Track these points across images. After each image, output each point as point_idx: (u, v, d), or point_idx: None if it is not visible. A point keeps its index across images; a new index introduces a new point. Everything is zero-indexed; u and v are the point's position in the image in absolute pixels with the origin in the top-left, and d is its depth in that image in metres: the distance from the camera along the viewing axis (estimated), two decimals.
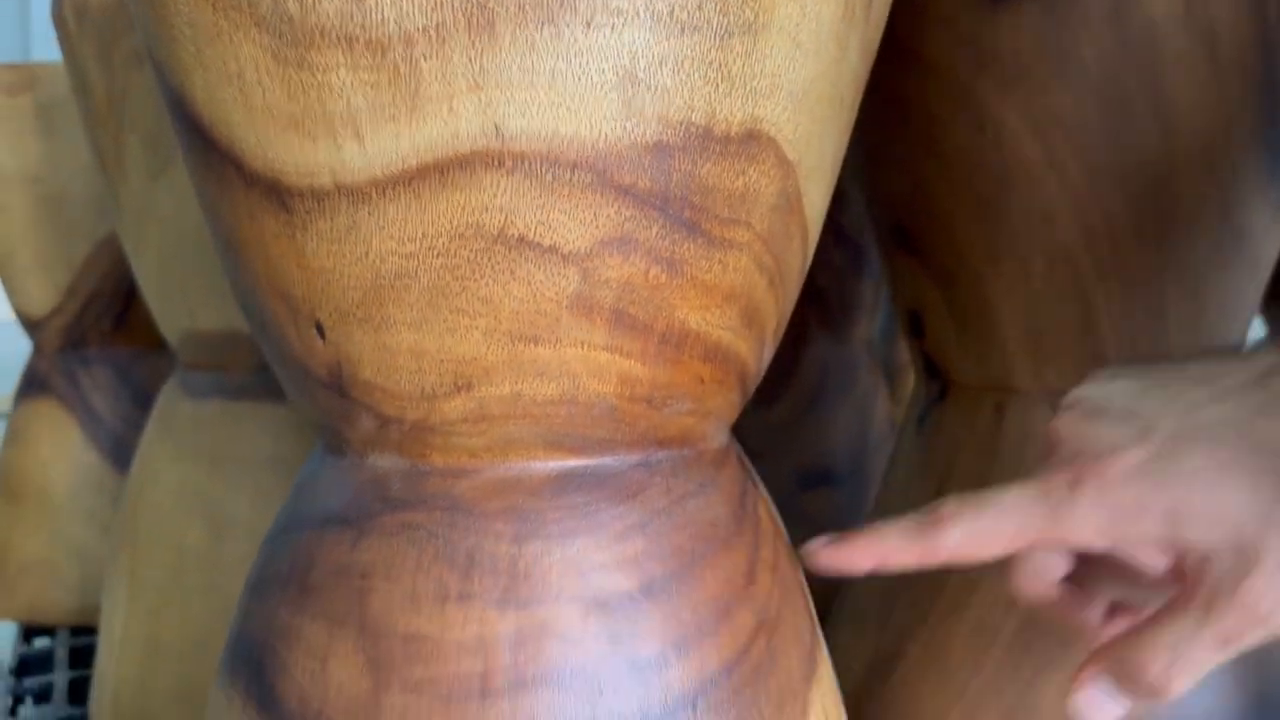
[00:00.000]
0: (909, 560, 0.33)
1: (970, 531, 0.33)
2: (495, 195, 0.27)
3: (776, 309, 0.33)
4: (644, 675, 0.29)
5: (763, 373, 0.35)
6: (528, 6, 0.26)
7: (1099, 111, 0.39)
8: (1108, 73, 0.39)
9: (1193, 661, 0.30)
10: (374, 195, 0.27)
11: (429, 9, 0.25)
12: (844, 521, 0.70)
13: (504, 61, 0.26)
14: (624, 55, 0.26)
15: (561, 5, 0.26)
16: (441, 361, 0.29)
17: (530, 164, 0.27)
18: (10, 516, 0.81)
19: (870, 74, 0.46)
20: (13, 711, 0.72)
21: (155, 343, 0.80)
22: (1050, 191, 0.41)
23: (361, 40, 0.26)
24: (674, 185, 0.28)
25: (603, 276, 0.28)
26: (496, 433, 0.30)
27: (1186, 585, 0.31)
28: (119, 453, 0.78)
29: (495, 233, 0.27)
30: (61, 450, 0.80)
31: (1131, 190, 0.40)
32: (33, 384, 0.81)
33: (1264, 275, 0.45)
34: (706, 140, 0.28)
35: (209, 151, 0.30)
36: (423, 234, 0.27)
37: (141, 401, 0.79)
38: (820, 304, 0.70)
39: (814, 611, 0.36)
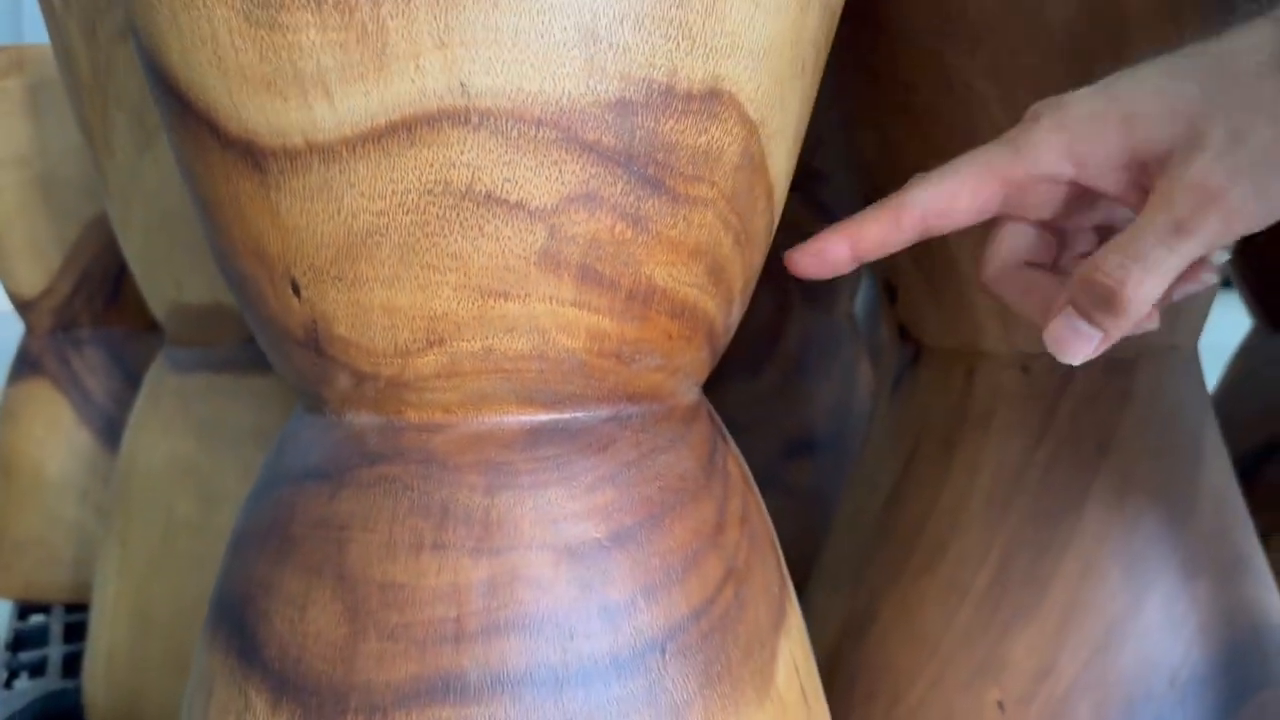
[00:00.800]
0: (882, 235, 0.33)
1: (936, 190, 0.32)
2: (462, 152, 0.28)
3: (743, 267, 0.34)
4: (614, 620, 0.30)
5: (731, 331, 0.36)
6: None
7: (1064, 71, 0.40)
8: (1072, 33, 0.40)
9: (1146, 257, 0.29)
10: (344, 153, 0.28)
11: None
12: (826, 490, 0.71)
13: (468, 19, 0.27)
14: (585, 13, 0.27)
15: None
16: (414, 318, 0.30)
17: (496, 121, 0.28)
18: (4, 496, 0.82)
19: (841, 42, 0.46)
20: (8, 685, 0.73)
21: (146, 323, 0.81)
22: None
23: (330, 1, 0.27)
24: (637, 142, 0.29)
25: (569, 232, 0.29)
26: (469, 388, 0.31)
27: (1148, 194, 0.30)
28: (111, 432, 0.79)
29: (463, 189, 0.28)
30: (54, 430, 0.81)
31: None
32: (25, 365, 0.82)
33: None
34: (669, 98, 0.29)
35: (186, 115, 0.30)
36: (392, 191, 0.28)
37: (133, 381, 0.79)
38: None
39: (784, 565, 0.37)
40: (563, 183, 0.29)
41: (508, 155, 0.28)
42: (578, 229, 0.29)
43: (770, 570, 0.35)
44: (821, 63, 0.35)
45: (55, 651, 0.76)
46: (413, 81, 0.27)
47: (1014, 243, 0.34)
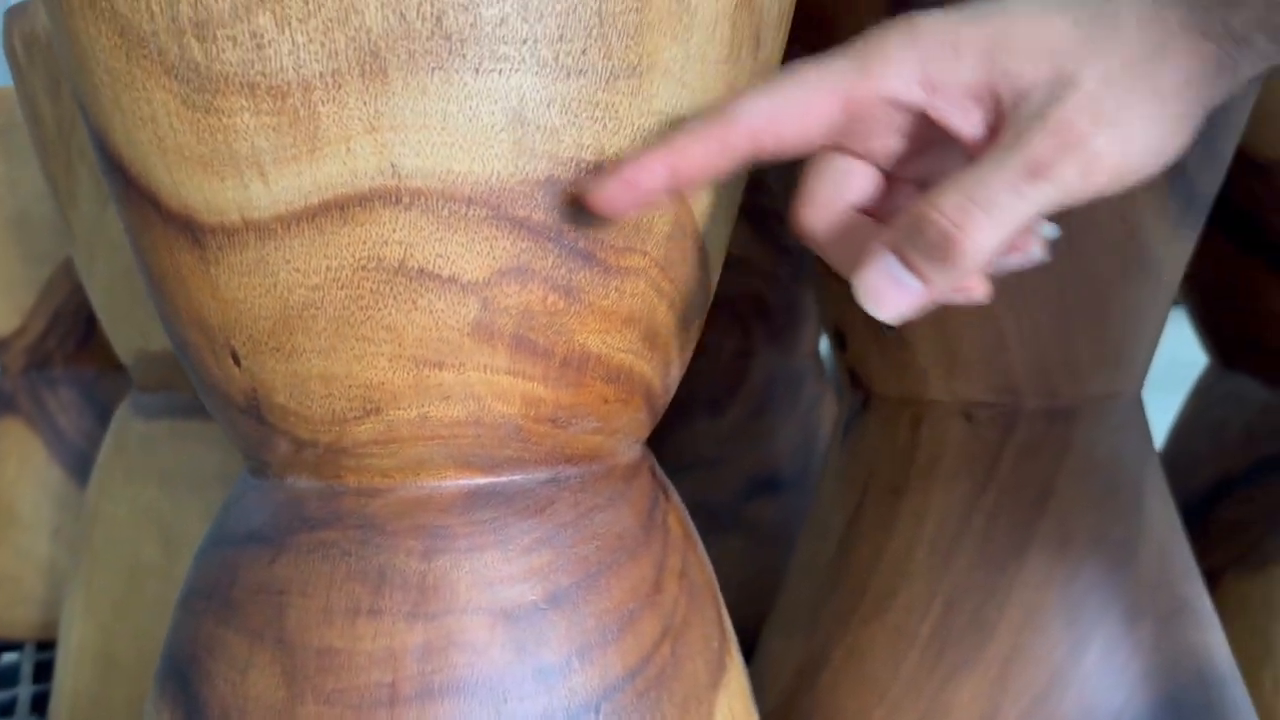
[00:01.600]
0: (707, 156, 0.28)
1: (770, 102, 0.28)
2: (394, 229, 0.29)
3: (679, 330, 0.35)
4: (548, 682, 0.31)
5: (672, 389, 0.37)
6: (418, 54, 0.27)
7: None
8: None
9: (993, 200, 0.26)
10: (279, 231, 0.29)
11: (324, 57, 0.27)
12: (789, 528, 0.72)
13: (397, 105, 0.27)
14: (513, 98, 0.28)
15: (450, 52, 0.27)
16: (350, 387, 0.30)
17: (427, 200, 0.28)
18: None
19: None
20: None
21: (118, 363, 0.81)
22: None
23: (263, 86, 0.27)
24: (567, 218, 0.30)
25: (502, 304, 0.30)
26: (406, 454, 0.31)
27: (997, 130, 0.27)
28: (84, 470, 0.80)
29: (396, 265, 0.29)
30: (27, 468, 0.81)
31: None
32: None
33: (1168, 288, 0.47)
34: (598, 175, 0.30)
35: (129, 190, 0.31)
36: (326, 267, 0.29)
37: (105, 420, 0.80)
38: (766, 318, 0.72)
39: (725, 617, 0.38)
40: (494, 257, 0.29)
41: (439, 232, 0.29)
42: (510, 301, 0.30)
43: (709, 624, 0.36)
44: None
45: (25, 691, 0.76)
46: (344, 163, 0.28)
47: (840, 180, 0.29)
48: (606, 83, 0.29)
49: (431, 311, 0.29)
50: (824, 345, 0.78)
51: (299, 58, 0.27)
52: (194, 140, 0.29)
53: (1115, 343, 0.46)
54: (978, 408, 0.46)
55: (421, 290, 0.29)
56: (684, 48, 0.30)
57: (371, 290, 0.29)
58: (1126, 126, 0.26)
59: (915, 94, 0.28)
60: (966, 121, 0.28)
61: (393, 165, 0.28)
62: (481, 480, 0.32)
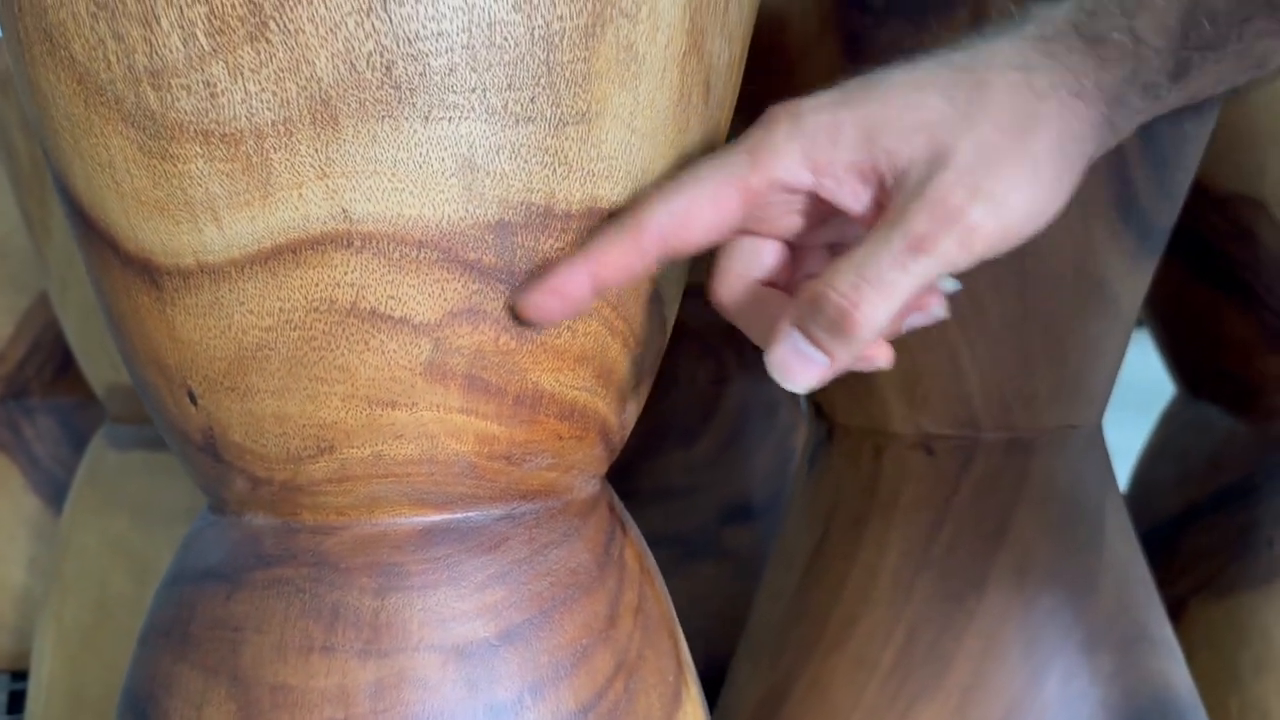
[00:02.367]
0: (624, 260, 0.30)
1: (674, 204, 0.29)
2: (346, 272, 0.29)
3: (634, 367, 0.35)
4: (500, 719, 0.31)
5: (629, 425, 0.37)
6: (368, 103, 0.28)
7: None
8: None
9: (881, 277, 0.27)
10: (233, 274, 0.29)
11: (276, 105, 0.28)
12: (762, 555, 0.72)
13: (348, 152, 0.28)
14: (462, 145, 0.29)
15: (400, 101, 0.28)
16: (304, 426, 0.31)
17: (378, 244, 0.29)
18: None
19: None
20: None
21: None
22: None
23: (216, 134, 0.28)
24: (518, 259, 0.30)
25: (454, 344, 0.30)
26: (361, 491, 0.32)
27: (884, 206, 0.29)
28: (60, 499, 0.79)
29: (348, 306, 0.29)
30: (3, 497, 0.81)
31: None
32: None
33: (1126, 320, 0.48)
34: (547, 218, 0.30)
35: (89, 233, 0.32)
36: (280, 309, 0.29)
37: (82, 449, 0.80)
38: (739, 348, 0.72)
39: (683, 650, 0.38)
40: (445, 299, 0.30)
41: (390, 275, 0.29)
42: (462, 341, 0.31)
43: (665, 658, 0.36)
44: None
45: None
46: (296, 208, 0.28)
47: (749, 258, 0.31)
48: (555, 129, 0.30)
49: (384, 352, 0.30)
50: None
51: (251, 106, 0.28)
52: (150, 185, 0.29)
53: (1073, 375, 0.46)
54: (937, 440, 0.46)
55: (374, 331, 0.30)
56: (633, 95, 0.31)
57: (324, 331, 0.30)
58: (1002, 196, 0.28)
59: (804, 178, 0.30)
60: (855, 199, 0.30)
61: (344, 210, 0.29)
62: (436, 517, 0.33)
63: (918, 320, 0.32)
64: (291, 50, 0.27)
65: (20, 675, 0.82)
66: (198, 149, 0.28)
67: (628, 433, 0.38)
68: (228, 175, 0.28)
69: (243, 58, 0.27)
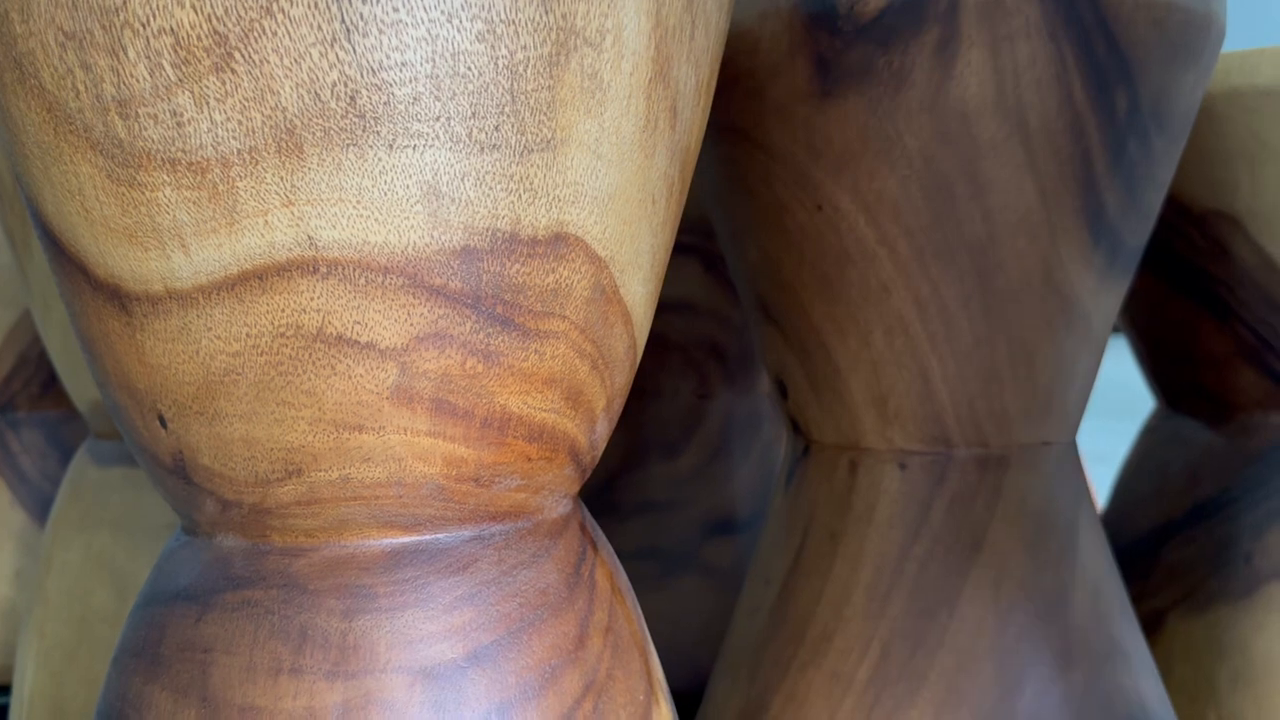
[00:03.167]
0: None
1: None
2: (312, 298, 0.29)
3: (604, 389, 0.36)
4: None
5: (600, 445, 0.38)
6: (333, 131, 0.28)
7: (922, 193, 0.42)
8: (928, 158, 0.42)
9: None
10: (201, 300, 0.30)
11: (242, 134, 0.28)
12: (745, 569, 0.73)
13: (312, 180, 0.28)
14: (427, 172, 0.29)
15: (364, 130, 0.28)
16: (272, 450, 0.31)
17: (344, 270, 0.29)
18: None
19: (720, 158, 0.49)
20: None
21: None
22: (884, 267, 0.44)
23: (183, 162, 0.28)
24: (484, 285, 0.31)
25: (420, 369, 0.31)
26: (329, 514, 0.32)
27: None
28: (47, 514, 0.80)
29: (314, 332, 0.30)
30: None
31: (957, 264, 0.43)
32: None
33: (1098, 338, 0.48)
34: (513, 244, 0.31)
35: (61, 258, 0.32)
36: (247, 334, 0.30)
37: (69, 463, 0.80)
38: (722, 362, 0.73)
39: (655, 670, 0.38)
40: (411, 324, 0.30)
41: (356, 300, 0.30)
42: (429, 365, 0.31)
43: (635, 678, 0.37)
44: (680, 190, 0.37)
45: None
46: (262, 235, 0.29)
47: None
48: (520, 156, 0.30)
49: (350, 377, 0.30)
50: None
51: (217, 135, 0.28)
52: (119, 212, 0.30)
53: (1044, 392, 0.47)
54: (911, 456, 0.46)
55: (340, 356, 0.30)
56: (598, 122, 0.31)
57: (290, 356, 0.30)
58: None
59: None
60: None
61: (309, 237, 0.29)
62: (404, 539, 0.33)
63: None
64: (256, 80, 0.28)
65: (5, 690, 0.82)
66: (165, 177, 0.29)
67: (599, 453, 0.38)
68: (194, 203, 0.29)
69: (208, 88, 0.28)
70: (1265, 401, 0.61)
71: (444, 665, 0.32)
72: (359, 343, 0.30)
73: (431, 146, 0.29)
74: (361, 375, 0.30)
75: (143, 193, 0.29)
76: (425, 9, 0.28)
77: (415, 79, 0.28)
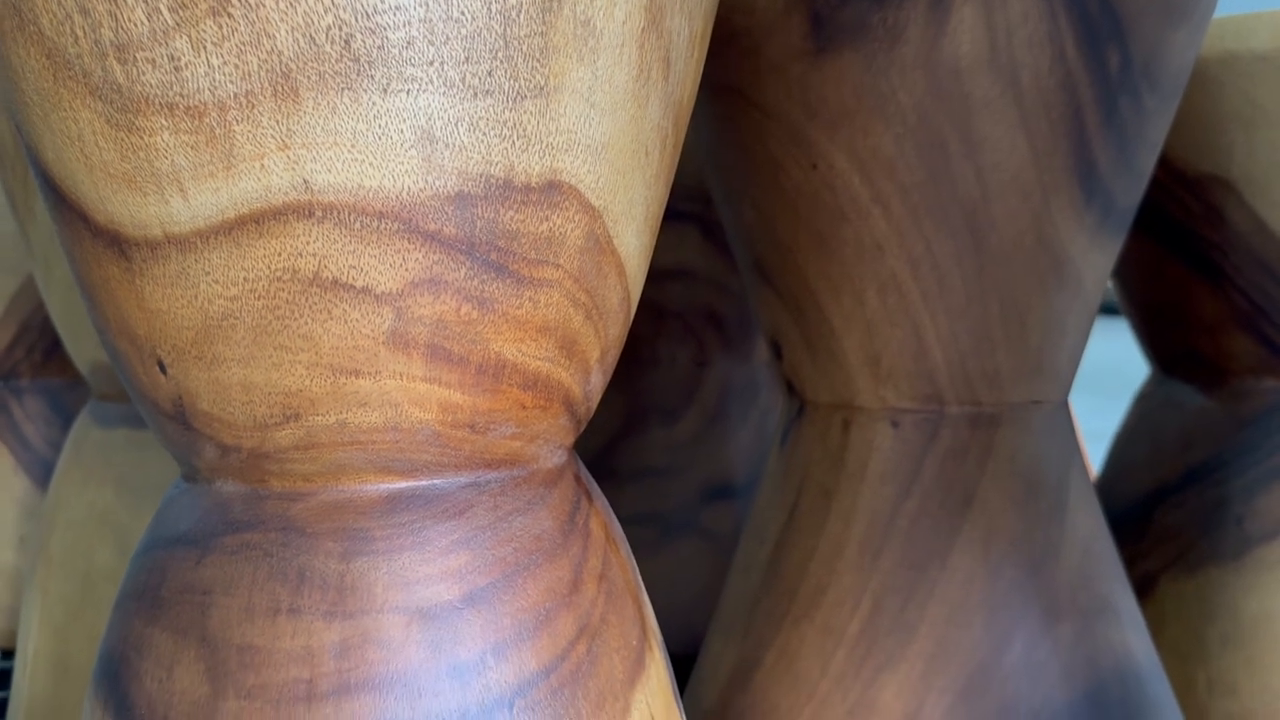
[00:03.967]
0: None
1: None
2: (308, 242, 0.30)
3: (598, 339, 0.36)
4: (463, 679, 0.32)
5: (595, 396, 0.38)
6: (327, 75, 0.28)
7: (915, 151, 0.43)
8: (922, 116, 0.42)
9: None
10: (199, 244, 0.30)
11: (238, 78, 0.28)
12: (741, 532, 0.73)
13: (308, 124, 0.29)
14: (420, 117, 0.29)
15: (359, 74, 0.29)
16: (270, 394, 0.32)
17: (339, 214, 0.30)
18: None
19: (715, 116, 0.49)
20: None
21: None
22: (877, 225, 0.44)
23: (181, 107, 0.29)
24: (479, 231, 0.31)
25: (416, 314, 0.31)
26: (326, 459, 0.33)
27: None
28: (49, 480, 0.80)
29: (310, 276, 0.30)
30: None
31: (950, 223, 0.44)
32: None
33: (1090, 298, 0.49)
34: (507, 190, 0.31)
35: (61, 205, 0.32)
36: (244, 278, 0.30)
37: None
38: (720, 328, 0.73)
39: (648, 617, 0.39)
40: (406, 269, 0.31)
41: (352, 245, 0.30)
42: (424, 311, 0.31)
43: (629, 623, 0.37)
44: (674, 141, 0.37)
45: None
46: (259, 179, 0.29)
47: None
48: (513, 103, 0.30)
49: (346, 321, 0.31)
50: None
51: (214, 79, 0.28)
52: (118, 158, 0.30)
53: (1035, 352, 0.47)
54: (903, 414, 0.47)
55: (336, 301, 0.31)
56: (591, 69, 0.31)
57: (287, 301, 0.30)
58: None
59: None
60: None
61: (305, 181, 0.29)
62: (400, 484, 0.33)
63: None
64: (252, 24, 0.28)
65: (9, 654, 0.83)
66: (163, 121, 0.29)
67: (594, 405, 0.39)
68: (192, 147, 0.29)
69: (205, 31, 0.28)
70: (1258, 367, 0.61)
71: (440, 606, 0.32)
72: (355, 287, 0.30)
73: (425, 91, 0.29)
74: (357, 320, 0.31)
75: (141, 137, 0.29)
76: None
77: (409, 22, 0.28)
